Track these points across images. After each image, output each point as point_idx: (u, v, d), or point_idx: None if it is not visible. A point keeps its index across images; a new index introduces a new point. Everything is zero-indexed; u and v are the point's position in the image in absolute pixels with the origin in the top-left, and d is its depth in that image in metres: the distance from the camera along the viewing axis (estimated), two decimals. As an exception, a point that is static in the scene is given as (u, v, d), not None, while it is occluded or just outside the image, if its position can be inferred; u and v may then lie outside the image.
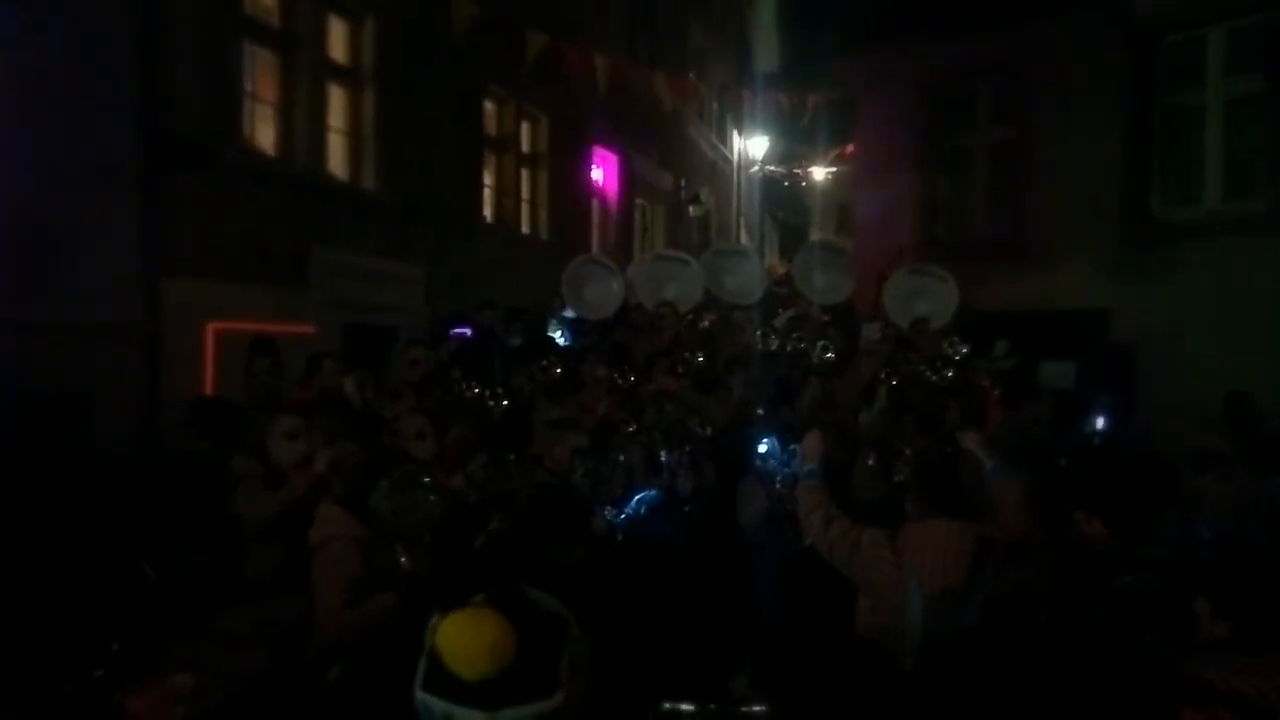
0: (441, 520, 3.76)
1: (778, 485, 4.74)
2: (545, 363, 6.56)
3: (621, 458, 4.83)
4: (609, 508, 4.53)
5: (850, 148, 14.96)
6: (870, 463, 5.51)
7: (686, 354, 6.87)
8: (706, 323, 8.54)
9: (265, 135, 7.67)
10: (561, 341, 8.34)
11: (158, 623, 3.28)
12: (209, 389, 6.12)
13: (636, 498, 4.67)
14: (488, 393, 5.64)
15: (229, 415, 4.88)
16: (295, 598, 3.50)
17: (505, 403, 5.69)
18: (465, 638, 1.16)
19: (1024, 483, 3.89)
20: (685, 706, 2.86)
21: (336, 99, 8.53)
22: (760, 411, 6.00)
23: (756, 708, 2.94)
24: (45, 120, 5.33)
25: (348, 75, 8.66)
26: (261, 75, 7.63)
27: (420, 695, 1.21)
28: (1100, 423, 6.25)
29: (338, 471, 3.76)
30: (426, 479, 3.77)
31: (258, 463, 4.13)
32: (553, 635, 1.25)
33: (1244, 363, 7.06)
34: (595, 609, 1.28)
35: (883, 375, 6.34)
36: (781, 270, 13.80)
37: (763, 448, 4.85)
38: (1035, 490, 4.02)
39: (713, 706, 2.89)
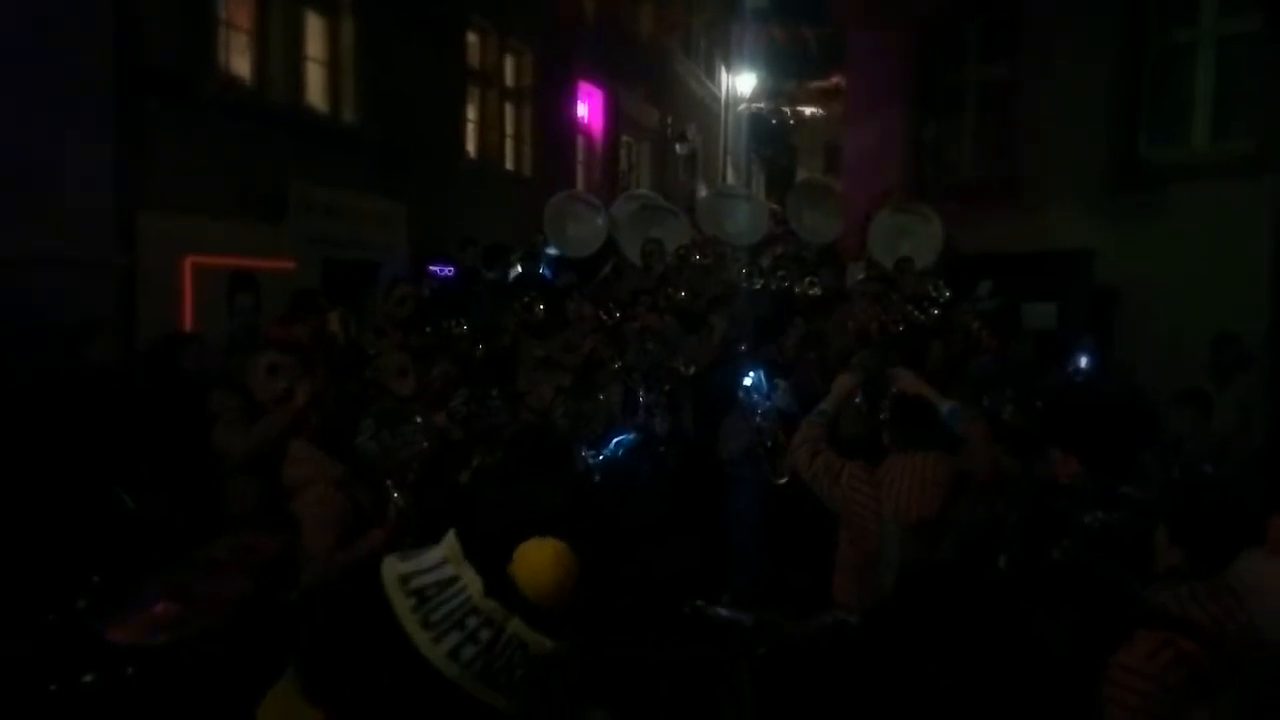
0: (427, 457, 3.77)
1: (758, 419, 4.78)
2: (529, 300, 6.53)
3: (603, 397, 4.83)
4: (587, 449, 4.55)
5: (837, 81, 14.76)
6: (857, 400, 5.56)
7: (670, 290, 6.85)
8: (698, 258, 8.50)
9: (241, 64, 7.49)
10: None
11: (139, 554, 3.32)
12: (187, 324, 6.08)
13: (614, 440, 4.69)
14: (469, 330, 5.63)
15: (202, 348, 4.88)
16: (277, 530, 3.52)
17: (488, 341, 5.68)
18: (547, 566, 1.21)
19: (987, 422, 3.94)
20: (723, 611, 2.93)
21: (314, 28, 8.33)
22: (744, 349, 6.01)
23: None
24: (15, 50, 5.17)
25: (325, 3, 8.43)
26: (236, 2, 7.42)
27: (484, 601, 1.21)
28: (1082, 363, 6.32)
29: (317, 407, 3.74)
30: (417, 417, 3.75)
31: (237, 397, 4.11)
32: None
33: (1227, 306, 7.10)
34: (576, 549, 1.31)
35: (876, 324, 6.35)
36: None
37: (748, 380, 4.87)
38: (1010, 429, 4.06)
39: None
